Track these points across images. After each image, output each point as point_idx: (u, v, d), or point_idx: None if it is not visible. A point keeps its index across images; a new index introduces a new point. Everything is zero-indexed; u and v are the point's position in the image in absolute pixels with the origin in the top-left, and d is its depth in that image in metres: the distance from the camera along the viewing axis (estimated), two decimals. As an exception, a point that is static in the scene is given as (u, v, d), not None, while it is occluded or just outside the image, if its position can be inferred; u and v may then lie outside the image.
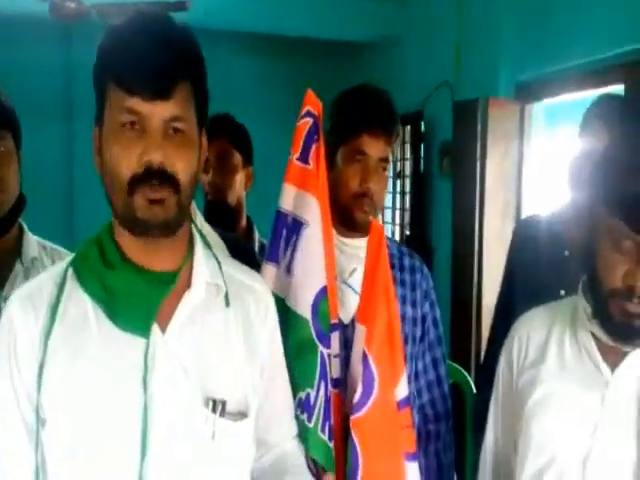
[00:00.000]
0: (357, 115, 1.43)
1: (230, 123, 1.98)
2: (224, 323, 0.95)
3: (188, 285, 0.93)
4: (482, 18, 3.11)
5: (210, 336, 0.93)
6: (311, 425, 1.20)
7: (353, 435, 1.18)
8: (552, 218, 1.63)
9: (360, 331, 1.25)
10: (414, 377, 1.52)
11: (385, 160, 1.45)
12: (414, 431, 1.32)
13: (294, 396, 1.15)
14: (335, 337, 1.30)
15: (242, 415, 0.93)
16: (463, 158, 3.08)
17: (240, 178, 1.98)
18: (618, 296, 0.95)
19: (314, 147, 1.26)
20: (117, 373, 0.87)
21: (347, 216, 1.45)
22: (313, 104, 1.27)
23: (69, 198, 4.57)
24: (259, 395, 0.99)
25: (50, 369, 0.87)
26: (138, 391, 0.86)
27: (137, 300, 0.89)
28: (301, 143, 1.27)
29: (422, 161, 3.82)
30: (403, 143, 3.93)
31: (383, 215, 4.10)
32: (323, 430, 1.21)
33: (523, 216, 2.86)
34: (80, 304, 0.90)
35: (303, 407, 1.20)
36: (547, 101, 2.87)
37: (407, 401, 1.25)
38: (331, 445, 1.21)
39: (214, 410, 0.90)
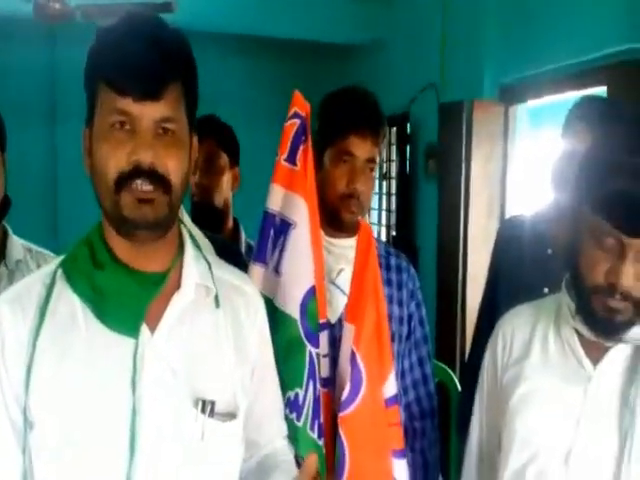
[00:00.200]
0: (344, 116, 1.44)
1: (217, 124, 1.98)
2: (213, 324, 0.95)
3: (178, 286, 0.93)
4: (466, 21, 3.13)
5: (199, 337, 0.93)
6: (300, 424, 1.21)
7: (341, 432, 1.19)
8: (535, 217, 1.66)
9: (348, 330, 1.26)
10: (400, 375, 1.54)
11: (372, 161, 1.46)
12: (402, 428, 1.33)
13: (283, 396, 1.15)
14: (324, 336, 1.31)
15: (231, 416, 0.93)
16: (448, 159, 3.11)
17: (227, 179, 1.98)
18: (600, 292, 0.96)
19: (302, 148, 1.27)
20: (105, 374, 0.87)
21: (334, 217, 1.46)
22: (300, 105, 1.28)
23: (53, 200, 4.52)
24: (249, 396, 0.99)
25: (37, 370, 0.86)
26: (127, 392, 0.86)
27: (126, 300, 0.88)
28: (289, 144, 1.28)
29: (408, 162, 3.83)
30: (389, 145, 3.95)
31: (369, 216, 4.12)
32: (312, 429, 1.22)
33: (507, 216, 2.89)
34: (69, 304, 0.89)
35: (292, 407, 1.21)
36: (531, 103, 2.90)
37: (395, 399, 1.27)
38: (321, 443, 1.22)
39: (203, 411, 0.89)
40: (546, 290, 1.43)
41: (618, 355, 1.02)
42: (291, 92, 1.32)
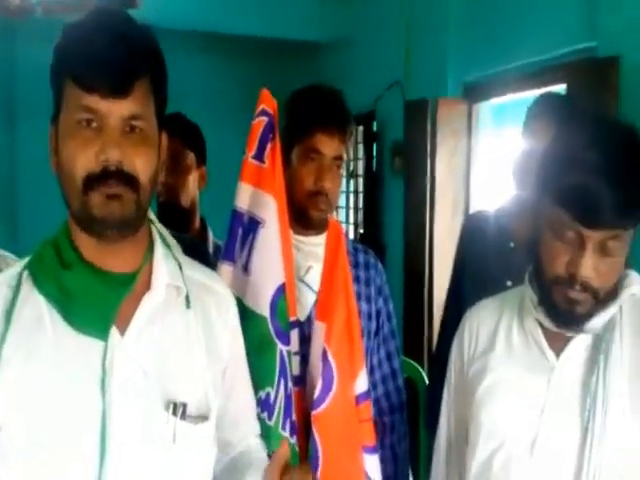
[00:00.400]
0: (311, 114, 1.45)
1: (183, 122, 1.96)
2: (184, 325, 0.95)
3: (148, 287, 0.92)
4: (430, 21, 3.17)
5: (170, 338, 0.92)
6: (272, 423, 1.21)
7: (314, 430, 1.20)
8: (498, 212, 1.70)
9: (319, 328, 1.27)
10: (369, 371, 1.55)
11: (339, 158, 1.47)
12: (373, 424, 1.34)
13: (255, 395, 1.15)
14: (294, 334, 1.32)
15: (203, 418, 0.93)
16: (414, 156, 3.14)
17: (193, 178, 1.96)
18: (561, 284, 0.98)
19: (269, 146, 1.27)
20: (74, 376, 0.85)
21: (303, 214, 1.46)
22: (268, 103, 1.28)
23: (11, 201, 4.40)
24: (221, 397, 0.99)
25: (3, 372, 0.84)
26: (96, 395, 0.85)
27: (95, 302, 0.87)
28: (256, 142, 1.28)
29: (375, 160, 3.86)
30: (356, 143, 3.97)
31: (337, 214, 4.13)
32: (284, 427, 1.22)
33: (472, 211, 2.94)
34: (36, 306, 0.87)
35: (263, 406, 1.21)
36: (494, 100, 2.95)
37: (366, 395, 1.27)
38: (293, 441, 1.23)
39: (174, 413, 0.89)
40: (509, 283, 1.46)
41: (579, 345, 1.04)
42: (257, 90, 1.31)
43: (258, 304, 1.25)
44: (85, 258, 0.90)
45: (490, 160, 3.03)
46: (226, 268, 1.31)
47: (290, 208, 1.35)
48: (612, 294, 1.02)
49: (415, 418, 1.97)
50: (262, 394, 1.21)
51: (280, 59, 4.51)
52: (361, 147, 3.99)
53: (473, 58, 2.93)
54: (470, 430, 1.14)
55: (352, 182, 4.16)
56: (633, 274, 1.06)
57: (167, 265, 0.95)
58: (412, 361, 2.29)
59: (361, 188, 4.05)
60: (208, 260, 1.61)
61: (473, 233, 1.73)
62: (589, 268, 0.95)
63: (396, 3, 3.43)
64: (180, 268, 0.98)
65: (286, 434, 1.22)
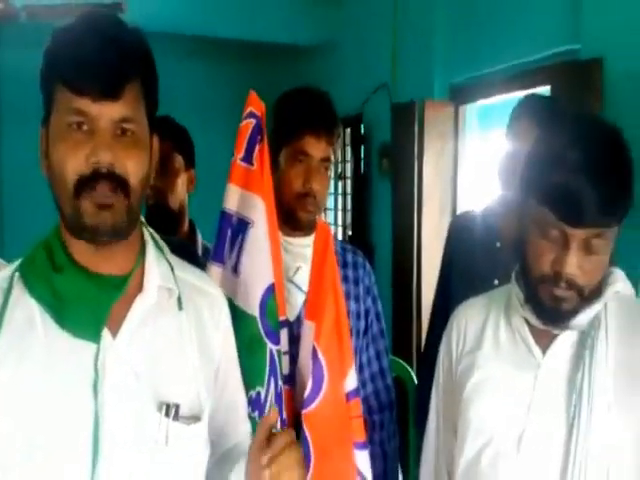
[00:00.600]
0: (299, 116, 1.46)
1: (171, 125, 1.96)
2: (177, 327, 0.95)
3: (140, 289, 0.92)
4: (417, 23, 3.20)
5: (162, 340, 0.92)
6: (262, 422, 1.21)
7: (305, 429, 1.20)
8: (485, 212, 1.72)
9: (309, 327, 1.27)
10: (359, 369, 1.56)
11: (327, 160, 1.48)
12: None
13: (246, 395, 1.15)
14: (283, 334, 1.32)
15: (195, 419, 0.93)
16: (401, 158, 3.16)
17: (182, 181, 1.96)
18: (547, 282, 1.00)
19: (258, 148, 1.28)
20: (66, 379, 0.85)
21: (291, 216, 1.47)
22: (256, 105, 1.28)
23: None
24: (213, 397, 0.99)
25: None
26: (88, 398, 0.85)
27: (87, 304, 0.87)
28: (244, 144, 1.29)
29: (362, 162, 3.88)
30: (344, 145, 3.98)
31: (326, 216, 4.14)
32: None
33: (459, 212, 2.96)
34: (27, 309, 0.87)
35: (254, 405, 1.22)
36: (480, 102, 2.98)
37: (356, 392, 1.28)
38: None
39: (167, 414, 0.89)
40: (496, 282, 1.47)
41: (565, 342, 1.06)
42: (245, 92, 1.32)
43: (248, 304, 1.26)
44: (77, 261, 0.90)
45: (477, 161, 3.06)
46: (215, 269, 1.32)
47: (278, 210, 1.36)
48: (597, 291, 1.03)
49: (404, 417, 1.99)
50: (253, 393, 1.22)
51: (268, 62, 4.52)
52: (349, 149, 4.01)
53: (459, 60, 2.96)
54: (458, 427, 1.14)
55: (340, 184, 4.17)
56: (617, 272, 1.08)
57: (159, 267, 0.95)
58: (401, 360, 2.31)
59: (349, 190, 4.07)
60: (197, 261, 1.61)
61: (460, 233, 1.75)
62: (574, 266, 0.97)
63: (383, 6, 3.45)
64: (172, 270, 0.98)
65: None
